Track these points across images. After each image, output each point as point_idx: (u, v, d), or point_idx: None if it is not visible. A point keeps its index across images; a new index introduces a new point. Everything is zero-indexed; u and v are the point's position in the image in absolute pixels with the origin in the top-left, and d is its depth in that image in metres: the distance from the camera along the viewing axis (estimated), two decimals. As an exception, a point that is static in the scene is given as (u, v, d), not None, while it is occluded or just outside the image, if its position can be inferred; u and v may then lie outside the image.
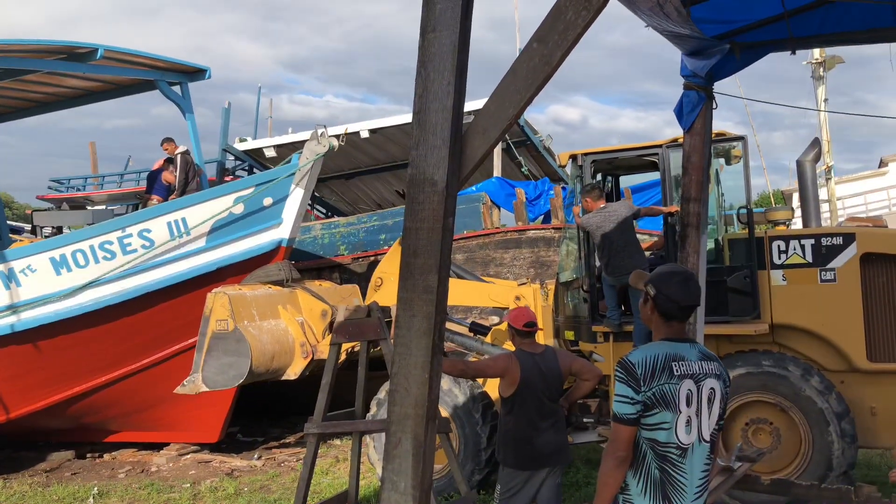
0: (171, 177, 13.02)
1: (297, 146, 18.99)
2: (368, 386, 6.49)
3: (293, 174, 10.13)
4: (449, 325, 8.32)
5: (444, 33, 3.31)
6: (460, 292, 8.93)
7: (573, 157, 8.99)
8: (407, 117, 17.20)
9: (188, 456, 10.84)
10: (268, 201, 10.24)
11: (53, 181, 24.88)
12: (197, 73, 12.91)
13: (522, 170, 16.82)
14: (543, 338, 8.22)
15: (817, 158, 9.66)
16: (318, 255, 16.30)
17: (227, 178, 19.31)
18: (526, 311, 5.83)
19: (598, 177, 9.36)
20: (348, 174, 20.51)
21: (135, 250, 10.07)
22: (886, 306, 7.37)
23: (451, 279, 4.15)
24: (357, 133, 16.91)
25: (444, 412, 7.73)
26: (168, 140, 13.35)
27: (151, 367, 10.66)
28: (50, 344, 10.25)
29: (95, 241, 10.09)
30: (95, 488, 9.38)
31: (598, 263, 8.52)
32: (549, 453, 5.50)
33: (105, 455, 11.27)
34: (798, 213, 10.73)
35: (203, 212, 10.15)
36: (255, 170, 21.14)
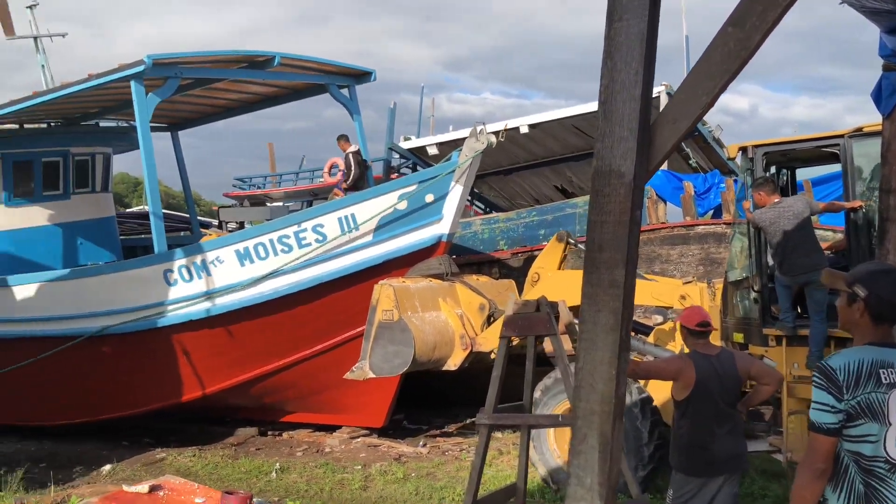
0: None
1: (458, 143, 19.27)
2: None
3: (453, 171, 10.40)
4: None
5: (631, 21, 3.20)
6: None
7: (743, 150, 8.40)
8: (566, 111, 16.96)
9: (359, 439, 11.34)
10: (429, 198, 10.56)
11: (237, 179, 26.87)
12: (363, 75, 13.45)
13: (690, 162, 16.10)
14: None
15: None
16: (477, 251, 16.45)
17: (392, 176, 20.00)
18: (699, 311, 5.56)
19: (772, 169, 8.76)
20: (506, 170, 20.53)
21: (309, 244, 10.62)
22: None
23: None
24: (516, 129, 16.88)
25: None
26: (342, 137, 14.01)
27: (324, 353, 11.15)
28: (237, 328, 10.99)
29: (274, 236, 10.72)
30: (277, 464, 10.04)
31: (770, 262, 7.97)
32: (726, 460, 5.22)
33: (283, 433, 12.03)
34: None
35: (370, 208, 10.59)
36: (418, 167, 21.74)
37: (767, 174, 8.20)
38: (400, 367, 9.17)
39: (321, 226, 10.64)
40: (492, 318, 9.90)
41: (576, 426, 3.09)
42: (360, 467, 9.91)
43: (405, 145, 20.84)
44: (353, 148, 13.82)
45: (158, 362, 11.26)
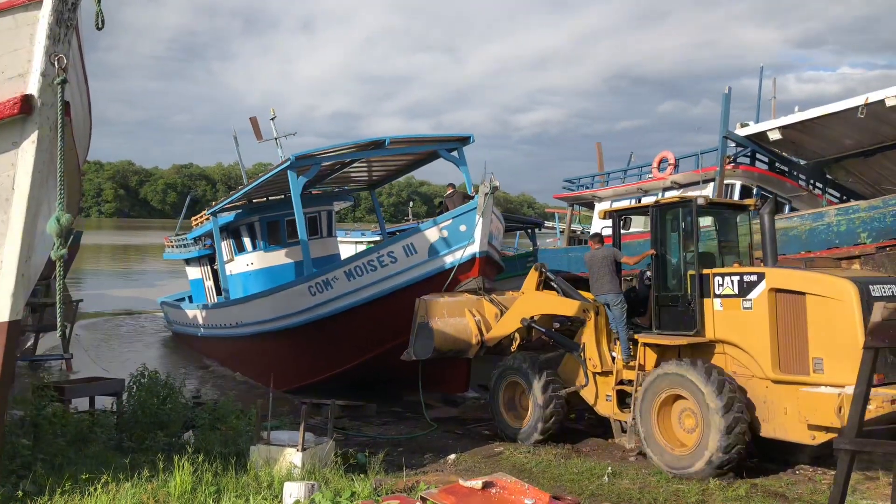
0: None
1: (806, 126, 17.23)
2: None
3: (475, 209, 14.57)
4: None
5: None
6: None
7: None
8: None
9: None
10: (462, 227, 14.77)
11: (566, 181, 27.21)
12: (465, 140, 17.85)
13: None
14: None
15: (774, 212, 10.49)
16: (832, 244, 14.52)
17: (727, 167, 18.59)
18: None
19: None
20: (868, 151, 17.82)
21: (387, 264, 15.28)
22: None
23: None
24: (881, 101, 14.50)
25: None
26: (450, 185, 17.80)
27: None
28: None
29: (367, 260, 15.55)
30: (609, 468, 9.77)
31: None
32: None
33: (609, 439, 11.72)
34: None
35: (423, 238, 15.11)
36: (757, 156, 19.93)
37: None
38: (427, 353, 12.89)
39: (393, 252, 15.25)
40: None
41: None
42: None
43: (742, 132, 19.18)
44: (449, 192, 17.18)
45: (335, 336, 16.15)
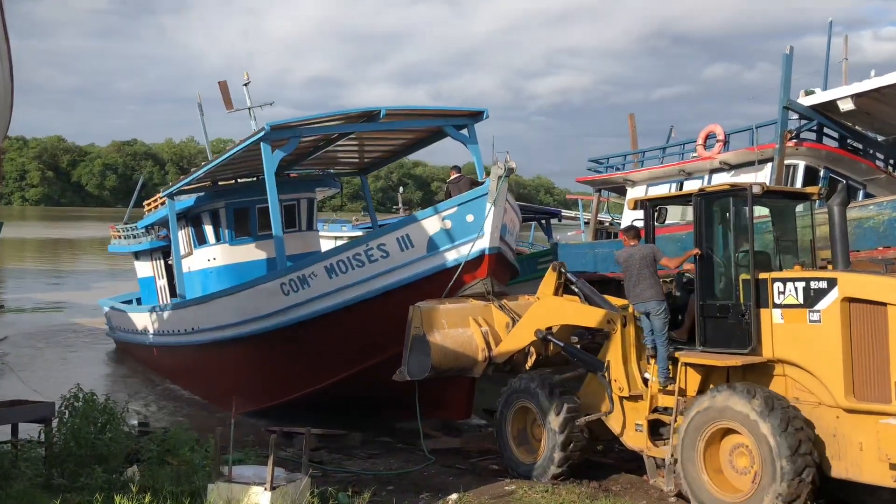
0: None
1: (885, 93, 17.15)
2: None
3: (485, 195, 14.11)
4: None
5: None
6: None
7: None
8: None
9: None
10: (469, 217, 14.36)
11: (592, 161, 27.13)
12: (478, 115, 17.91)
13: None
14: None
15: (846, 202, 10.53)
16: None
17: (788, 144, 18.52)
18: None
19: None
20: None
21: (377, 260, 14.99)
22: None
23: None
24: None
25: None
26: (454, 168, 17.41)
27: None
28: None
29: (351, 254, 15.27)
30: (643, 511, 9.79)
31: None
32: None
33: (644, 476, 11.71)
34: None
35: (422, 229, 14.77)
36: (825, 130, 19.85)
37: None
38: (423, 372, 12.67)
39: (384, 245, 14.98)
40: None
41: None
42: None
43: (806, 101, 19.11)
44: (454, 177, 16.85)
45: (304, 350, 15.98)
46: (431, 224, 14.78)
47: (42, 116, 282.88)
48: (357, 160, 22.76)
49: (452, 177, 16.91)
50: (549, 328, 12.25)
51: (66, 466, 10.37)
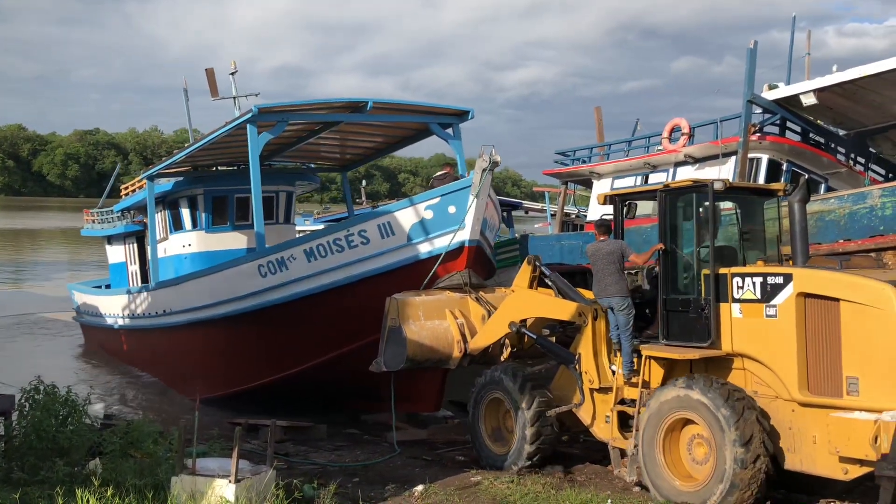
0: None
1: (847, 88, 17.38)
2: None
3: (468, 187, 14.30)
4: None
5: None
6: None
7: None
8: None
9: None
10: (451, 209, 14.47)
11: (559, 154, 27.17)
12: (464, 114, 17.88)
13: None
14: None
15: (805, 199, 10.63)
16: (876, 231, 14.71)
17: (752, 137, 18.71)
18: None
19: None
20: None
21: (357, 245, 15.07)
22: None
23: None
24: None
25: None
26: (447, 164, 18.00)
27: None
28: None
29: (332, 238, 15.31)
30: (609, 500, 9.89)
31: None
32: None
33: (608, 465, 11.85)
34: None
35: (404, 217, 14.87)
36: (788, 124, 20.05)
37: None
38: (399, 364, 12.86)
39: (364, 231, 15.11)
40: None
41: None
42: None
43: (770, 95, 19.29)
44: (439, 172, 17.04)
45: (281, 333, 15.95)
46: (413, 213, 14.93)
47: (1, 104, 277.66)
48: (339, 156, 22.62)
49: (441, 172, 16.96)
50: (524, 321, 12.34)
51: (27, 460, 10.25)
